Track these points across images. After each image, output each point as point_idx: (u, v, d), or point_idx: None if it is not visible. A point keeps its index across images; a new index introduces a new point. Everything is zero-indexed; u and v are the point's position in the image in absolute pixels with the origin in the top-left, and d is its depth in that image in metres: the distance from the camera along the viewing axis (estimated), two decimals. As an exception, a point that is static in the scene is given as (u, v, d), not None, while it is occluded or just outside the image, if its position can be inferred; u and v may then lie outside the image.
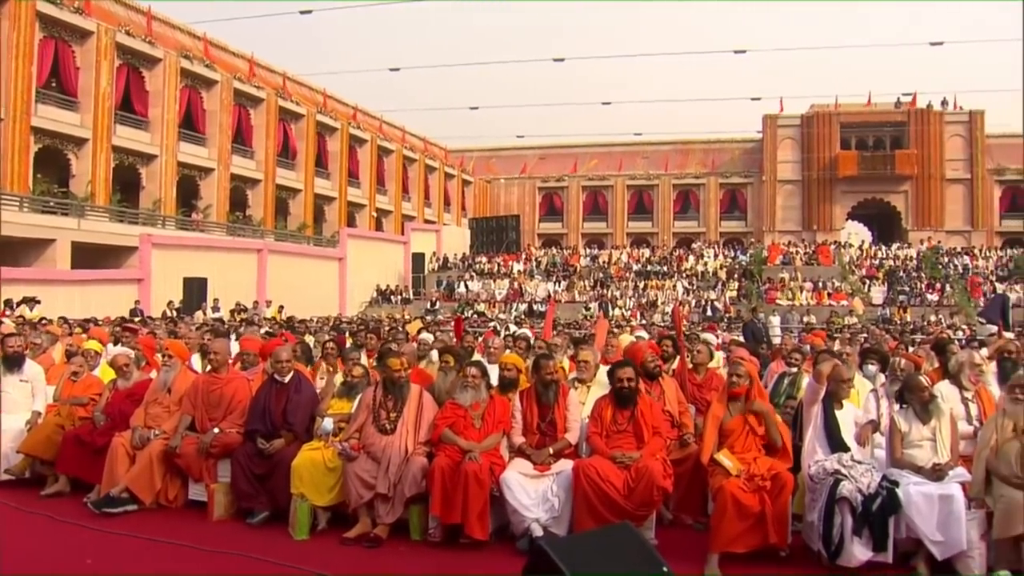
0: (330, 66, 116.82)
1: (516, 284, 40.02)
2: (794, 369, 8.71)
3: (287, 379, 7.57)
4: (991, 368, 8.43)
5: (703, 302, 36.17)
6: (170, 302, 26.97)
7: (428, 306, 36.93)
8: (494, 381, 7.56)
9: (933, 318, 31.51)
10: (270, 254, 33.72)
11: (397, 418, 6.96)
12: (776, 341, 14.91)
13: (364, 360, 9.42)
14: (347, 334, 13.92)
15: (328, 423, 7.16)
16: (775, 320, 23.67)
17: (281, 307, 29.72)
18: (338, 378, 8.20)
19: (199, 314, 26.27)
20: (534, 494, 6.47)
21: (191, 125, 35.40)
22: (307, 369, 8.79)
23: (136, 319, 19.79)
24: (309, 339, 13.11)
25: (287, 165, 40.95)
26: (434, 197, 54.23)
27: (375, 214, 47.34)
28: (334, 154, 44.39)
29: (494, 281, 40.73)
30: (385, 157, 49.00)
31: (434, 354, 9.54)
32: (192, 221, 34.42)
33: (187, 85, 34.84)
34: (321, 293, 35.68)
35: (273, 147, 39.23)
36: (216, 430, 7.43)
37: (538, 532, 6.27)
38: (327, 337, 11.45)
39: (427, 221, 51.24)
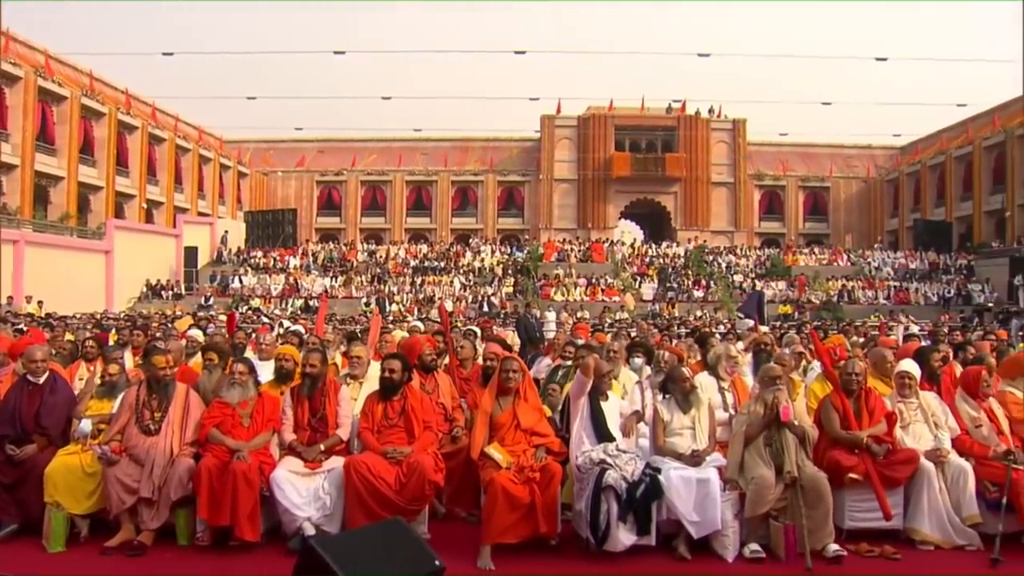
0: (98, 47, 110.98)
1: (292, 279, 39.40)
2: (569, 362, 8.94)
3: (41, 380, 7.12)
4: (747, 359, 8.98)
5: (480, 298, 36.71)
6: (-90, 298, 24.93)
7: (201, 302, 35.75)
8: (266, 378, 7.41)
9: (699, 313, 33.06)
10: (27, 246, 31.63)
11: (162, 418, 6.70)
12: (550, 336, 15.25)
13: (129, 358, 9.03)
14: (113, 331, 13.27)
15: (86, 425, 6.80)
16: (550, 315, 24.18)
17: (40, 303, 28.03)
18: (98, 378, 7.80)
19: (-56, 311, 24.40)
20: (305, 492, 6.39)
21: (-68, 104, 32.67)
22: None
23: None
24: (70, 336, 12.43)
25: (48, 151, 38.41)
26: (208, 189, 52.35)
27: (145, 205, 45.23)
28: (101, 140, 41.93)
29: (270, 276, 39.95)
30: (157, 146, 46.86)
31: (206, 351, 9.25)
32: (-65, 209, 31.87)
33: (-73, 60, 32.13)
34: (86, 288, 33.80)
35: (32, 130, 36.65)
36: (-43, 437, 6.88)
37: (310, 531, 6.21)
38: (87, 335, 10.88)
39: (201, 213, 49.43)
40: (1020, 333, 17.29)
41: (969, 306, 35.16)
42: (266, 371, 7.82)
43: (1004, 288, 36.42)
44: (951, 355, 9.38)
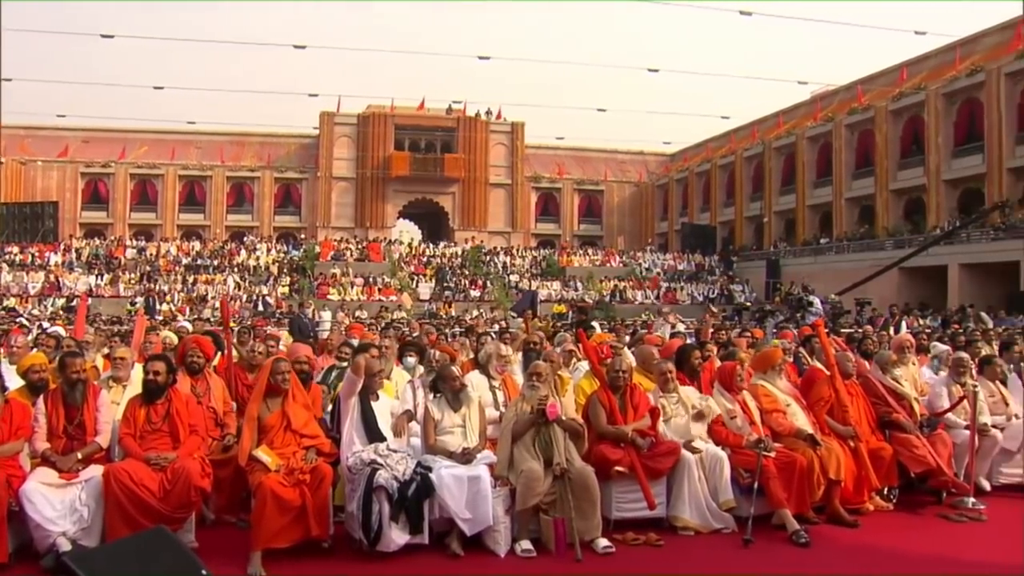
0: None
1: (53, 277, 37.22)
2: (344, 363, 8.84)
3: None
4: (517, 358, 9.19)
5: (255, 297, 36.00)
6: None
7: (-52, 301, 33.34)
8: (14, 384, 6.96)
9: (475, 312, 33.49)
10: None
11: None
12: (324, 335, 15.11)
13: None
14: None
15: None
16: (325, 315, 24.00)
17: None
18: None
19: None
20: (60, 505, 5.99)
21: None
22: None
23: None
24: None
25: None
26: (-44, 178, 48.83)
27: None
28: None
29: (27, 273, 37.56)
30: None
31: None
32: None
33: None
34: None
35: None
36: None
37: (65, 547, 5.81)
38: None
39: (-53, 205, 46.03)
40: (774, 331, 18.44)
41: (731, 305, 37.21)
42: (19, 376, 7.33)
43: (761, 288, 38.91)
44: (715, 352, 9.95)
